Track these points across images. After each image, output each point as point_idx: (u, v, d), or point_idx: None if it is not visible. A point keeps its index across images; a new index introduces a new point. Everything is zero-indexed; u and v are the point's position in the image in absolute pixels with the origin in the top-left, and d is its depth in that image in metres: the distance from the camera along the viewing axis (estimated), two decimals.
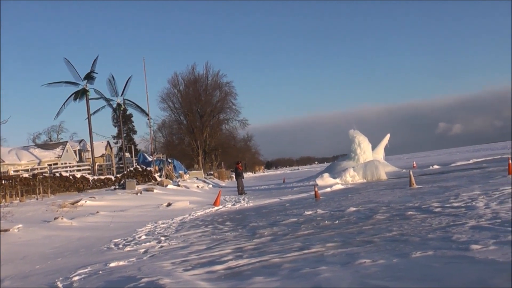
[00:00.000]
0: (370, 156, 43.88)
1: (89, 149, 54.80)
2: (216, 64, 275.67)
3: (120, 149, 66.13)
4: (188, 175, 63.71)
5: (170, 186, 39.79)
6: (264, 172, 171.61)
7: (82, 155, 68.51)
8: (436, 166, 44.04)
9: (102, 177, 43.16)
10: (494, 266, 6.86)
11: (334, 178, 36.50)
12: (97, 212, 22.06)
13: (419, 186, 23.09)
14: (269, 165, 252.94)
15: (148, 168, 45.90)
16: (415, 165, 53.09)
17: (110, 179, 42.54)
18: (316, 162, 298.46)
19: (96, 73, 49.60)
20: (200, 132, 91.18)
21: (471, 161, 46.87)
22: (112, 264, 10.32)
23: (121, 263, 10.45)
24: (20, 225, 16.45)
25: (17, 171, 50.81)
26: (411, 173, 24.99)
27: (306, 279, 7.24)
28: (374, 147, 47.40)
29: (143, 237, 14.80)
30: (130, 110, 72.93)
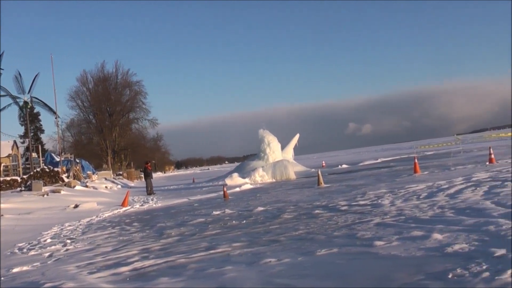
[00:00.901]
0: (280, 156, 44.24)
1: None
2: (127, 63, 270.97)
3: (27, 148, 64.12)
4: (96, 176, 62.53)
5: (78, 187, 38.89)
6: (174, 172, 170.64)
7: None
8: (344, 166, 44.87)
9: (8, 179, 41.64)
10: (397, 261, 6.96)
11: (244, 178, 36.59)
12: (2, 215, 21.25)
13: (327, 185, 23.40)
14: (179, 165, 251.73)
15: (56, 169, 44.63)
16: (324, 164, 53.91)
17: (16, 180, 41.08)
18: (227, 162, 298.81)
19: (2, 69, 47.96)
20: (110, 131, 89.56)
21: (379, 160, 48.00)
22: (15, 270, 9.89)
23: (25, 268, 10.05)
24: None
25: None
26: (320, 172, 25.30)
27: (211, 279, 7.14)
28: (284, 146, 47.86)
29: (49, 240, 14.32)
30: (37, 108, 70.81)
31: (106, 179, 59.90)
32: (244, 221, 13.56)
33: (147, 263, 9.02)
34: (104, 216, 20.88)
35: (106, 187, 46.74)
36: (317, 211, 13.63)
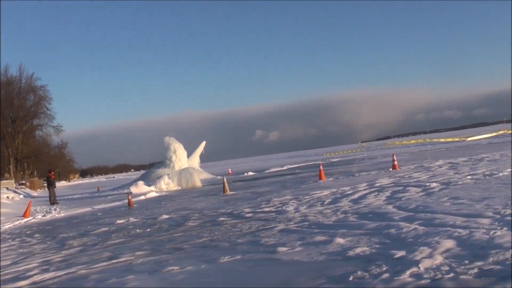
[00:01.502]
0: (186, 163, 44.03)
1: None
2: (31, 66, 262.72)
3: None
4: None
5: None
6: (78, 181, 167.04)
7: None
8: (251, 173, 45.06)
9: None
10: (299, 266, 6.95)
11: (149, 185, 36.14)
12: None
13: (233, 193, 23.38)
14: (84, 173, 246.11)
15: None
16: (230, 171, 54.01)
17: None
18: (133, 170, 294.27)
19: None
20: (12, 138, 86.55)
21: (285, 168, 48.50)
22: None
23: None
24: None
25: None
26: (225, 179, 25.25)
27: None
28: (190, 154, 47.63)
29: None
30: None
31: (7, 188, 57.80)
32: (148, 229, 13.33)
33: (47, 275, 8.66)
34: (4, 228, 20.05)
35: (7, 197, 45.04)
36: (221, 219, 13.55)
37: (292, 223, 11.10)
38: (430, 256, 6.46)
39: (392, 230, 8.55)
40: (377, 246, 7.52)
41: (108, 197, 34.60)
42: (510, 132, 38.52)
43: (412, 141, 55.58)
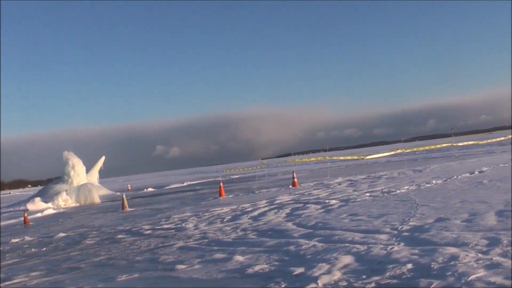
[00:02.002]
0: (84, 179, 42.98)
1: None
2: None
3: None
4: None
5: None
6: None
7: None
8: (150, 189, 44.64)
9: None
10: (198, 284, 6.86)
11: (46, 202, 35.03)
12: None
13: (132, 209, 22.99)
14: None
15: None
16: (129, 187, 53.32)
17: None
18: (30, 186, 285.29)
19: None
20: None
21: (185, 184, 48.28)
22: None
23: None
24: None
25: None
26: (124, 196, 24.81)
27: None
28: (89, 169, 46.56)
29: None
30: None
31: None
32: (44, 248, 12.87)
33: None
34: None
35: None
36: (120, 236, 13.28)
37: (191, 240, 10.99)
38: (328, 272, 6.49)
39: (292, 247, 8.56)
40: (276, 263, 7.50)
41: (3, 215, 33.28)
42: (407, 151, 39.77)
43: (312, 159, 56.53)
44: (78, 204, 34.16)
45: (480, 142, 52.61)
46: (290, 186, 25.11)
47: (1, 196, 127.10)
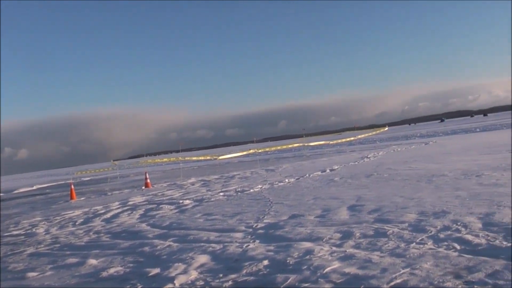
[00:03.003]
0: None
1: None
2: None
3: None
4: None
5: None
6: None
7: None
8: None
9: None
10: None
11: None
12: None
13: None
14: None
15: None
16: None
17: None
18: None
19: None
20: None
21: (34, 188, 46.57)
22: None
23: None
24: None
25: None
26: None
27: None
28: None
29: None
30: None
31: None
32: None
33: None
34: None
35: None
36: None
37: (42, 246, 10.61)
38: (185, 271, 6.52)
39: (146, 248, 8.52)
40: (131, 265, 7.44)
41: None
42: (260, 151, 40.50)
43: (165, 159, 56.12)
44: None
45: (331, 142, 54.33)
46: (143, 187, 24.92)
47: None
